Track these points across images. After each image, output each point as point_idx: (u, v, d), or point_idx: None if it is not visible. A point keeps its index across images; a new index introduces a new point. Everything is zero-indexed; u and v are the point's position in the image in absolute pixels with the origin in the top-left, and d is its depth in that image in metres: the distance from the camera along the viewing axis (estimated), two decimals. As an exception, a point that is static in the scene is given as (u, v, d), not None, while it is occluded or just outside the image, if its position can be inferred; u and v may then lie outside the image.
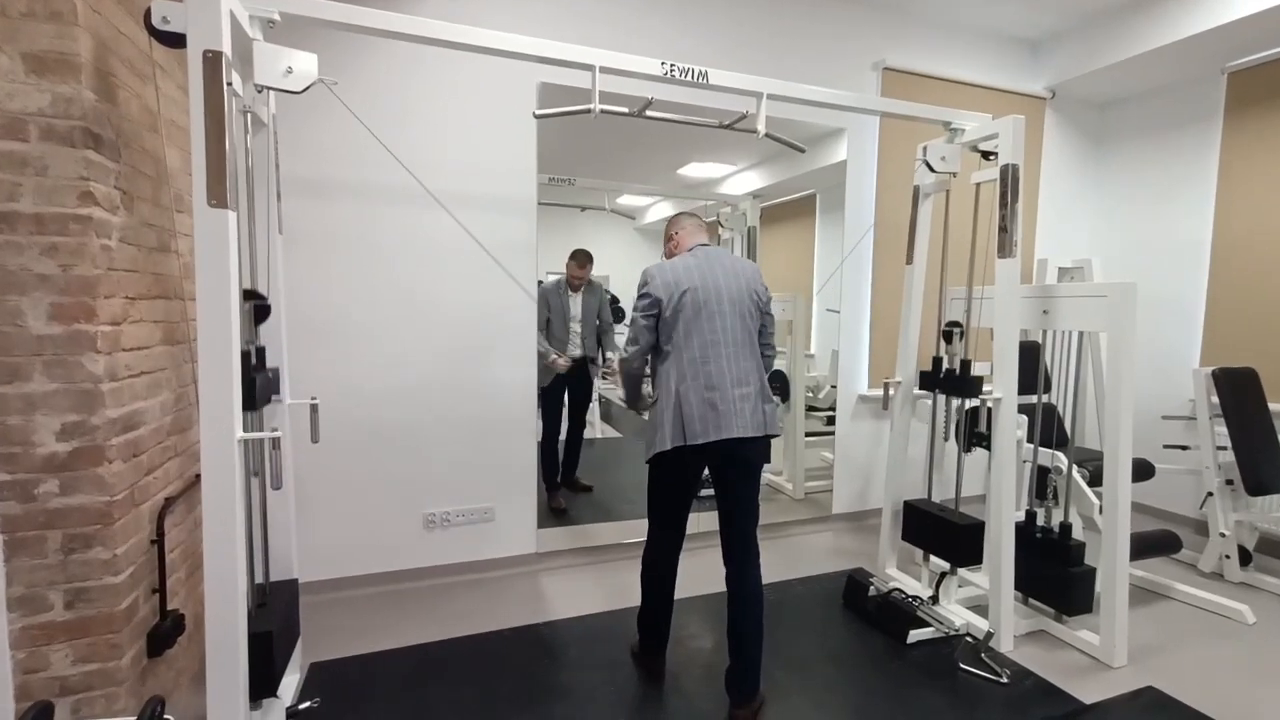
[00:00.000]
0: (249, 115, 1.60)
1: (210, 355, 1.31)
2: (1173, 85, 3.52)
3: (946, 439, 2.50)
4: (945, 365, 2.43)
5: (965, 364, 2.35)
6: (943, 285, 2.61)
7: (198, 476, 1.91)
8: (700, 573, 2.68)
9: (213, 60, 1.29)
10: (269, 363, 1.73)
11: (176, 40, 1.36)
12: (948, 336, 2.43)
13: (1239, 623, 2.43)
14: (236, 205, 1.36)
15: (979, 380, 2.30)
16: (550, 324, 3.15)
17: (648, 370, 1.92)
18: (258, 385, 1.53)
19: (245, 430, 1.40)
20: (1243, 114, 3.24)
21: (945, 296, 2.62)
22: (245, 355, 1.47)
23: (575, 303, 3.26)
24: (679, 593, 2.05)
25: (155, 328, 1.69)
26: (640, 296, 1.85)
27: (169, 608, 1.67)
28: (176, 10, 1.36)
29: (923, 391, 2.64)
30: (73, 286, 1.40)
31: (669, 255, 2.01)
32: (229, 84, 1.33)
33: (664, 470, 1.91)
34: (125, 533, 1.50)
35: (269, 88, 1.53)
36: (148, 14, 1.37)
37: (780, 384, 3.64)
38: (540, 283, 2.93)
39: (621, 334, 3.19)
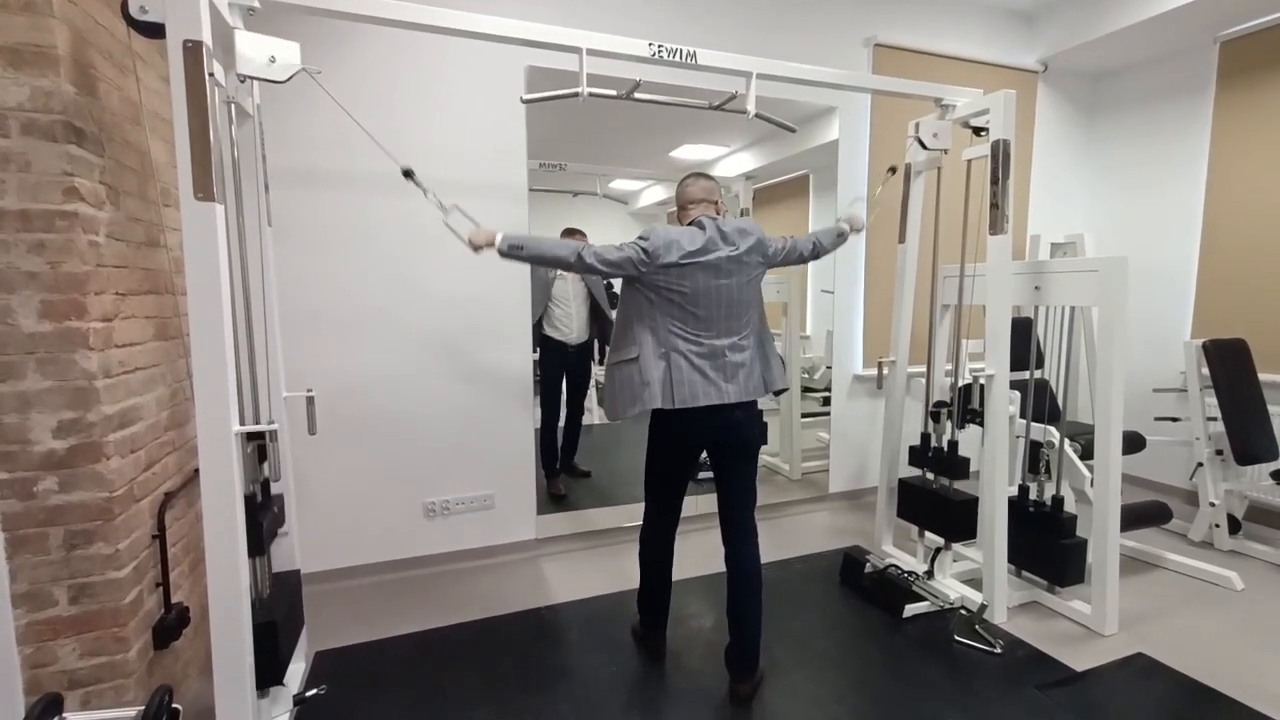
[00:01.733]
0: (233, 106, 1.58)
1: (204, 349, 1.31)
2: (1165, 55, 3.50)
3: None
4: (933, 443, 2.47)
5: (953, 444, 2.39)
6: (935, 263, 2.61)
7: (197, 470, 1.92)
8: (700, 553, 2.71)
9: (193, 50, 1.27)
10: (262, 365, 1.72)
11: (155, 30, 1.34)
12: (935, 416, 2.46)
13: (1228, 590, 2.47)
14: (223, 198, 1.35)
15: (965, 461, 2.35)
16: (547, 309, 3.12)
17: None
18: (264, 526, 1.49)
19: (242, 423, 1.41)
20: (1235, 83, 3.22)
21: (938, 274, 2.62)
22: (250, 498, 1.44)
23: (565, 282, 3.22)
24: (679, 573, 2.09)
25: (147, 323, 1.69)
26: (640, 238, 1.78)
27: (173, 600, 1.69)
28: (154, -1, 1.33)
29: (917, 367, 2.67)
30: (62, 283, 1.39)
31: (680, 219, 1.94)
32: (211, 74, 1.31)
33: (660, 445, 1.91)
34: (126, 528, 1.51)
35: (252, 78, 1.52)
36: (125, 4, 1.34)
37: (775, 366, 3.65)
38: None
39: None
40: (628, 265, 1.76)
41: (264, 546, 1.53)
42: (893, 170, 2.50)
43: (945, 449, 2.42)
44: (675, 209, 1.96)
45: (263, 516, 1.51)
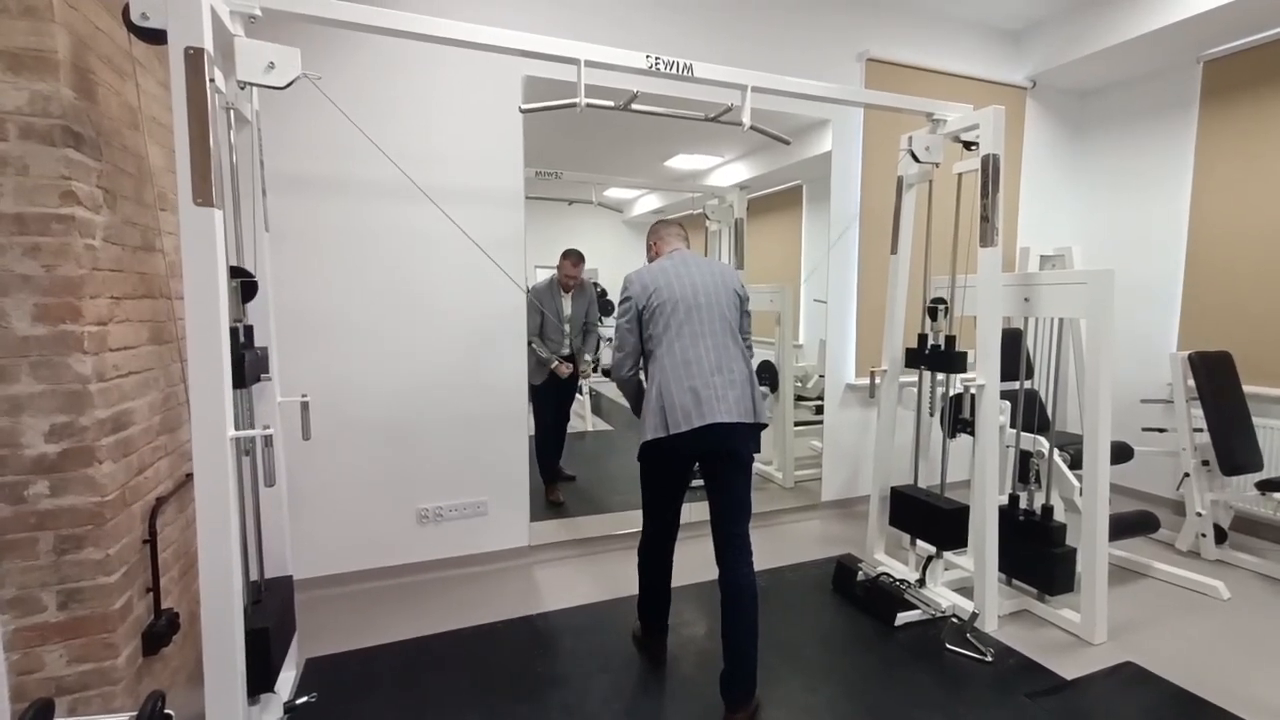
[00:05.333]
0: (232, 112, 1.59)
1: (200, 354, 1.31)
2: (1150, 74, 3.57)
3: (933, 415, 2.54)
4: (930, 341, 2.47)
5: (950, 339, 2.38)
6: (927, 274, 2.65)
7: (189, 476, 1.91)
8: (695, 560, 2.71)
9: (195, 57, 1.28)
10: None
11: (157, 36, 1.35)
12: (932, 313, 2.46)
13: (1214, 599, 2.50)
14: (222, 203, 1.36)
15: (963, 355, 2.34)
16: (543, 325, 3.16)
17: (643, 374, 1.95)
18: (246, 363, 1.53)
19: (237, 427, 1.40)
20: (1217, 102, 3.29)
21: (929, 286, 2.65)
22: (233, 332, 1.47)
23: (567, 303, 3.27)
24: (675, 580, 2.09)
25: (142, 327, 1.68)
26: (621, 302, 1.89)
27: (163, 606, 1.67)
28: (156, 6, 1.34)
29: (909, 376, 2.69)
30: (57, 287, 1.38)
31: (650, 262, 2.05)
32: (211, 80, 1.32)
33: (651, 463, 1.93)
34: (117, 533, 1.50)
35: (252, 84, 1.52)
36: (126, 10, 1.35)
37: (769, 374, 3.68)
38: (531, 287, 2.94)
39: (608, 329, 3.22)
40: (633, 328, 1.87)
41: (245, 381, 1.55)
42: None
43: (943, 346, 2.41)
44: (648, 248, 2.08)
45: (245, 352, 1.55)
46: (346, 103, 2.38)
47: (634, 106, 2.09)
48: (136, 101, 1.72)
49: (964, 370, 2.35)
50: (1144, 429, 3.22)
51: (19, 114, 1.34)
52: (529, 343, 2.87)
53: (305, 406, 1.81)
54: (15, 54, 1.33)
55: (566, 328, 3.25)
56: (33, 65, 1.34)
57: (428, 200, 2.52)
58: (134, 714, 0.91)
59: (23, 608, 1.40)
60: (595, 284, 3.41)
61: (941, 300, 2.45)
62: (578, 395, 3.62)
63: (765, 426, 1.88)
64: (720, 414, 1.75)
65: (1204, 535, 2.84)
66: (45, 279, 1.38)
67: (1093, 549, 2.17)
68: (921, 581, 2.47)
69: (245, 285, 1.64)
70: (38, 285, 1.37)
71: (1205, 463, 2.84)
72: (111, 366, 1.51)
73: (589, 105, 1.94)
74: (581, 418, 3.88)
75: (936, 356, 2.44)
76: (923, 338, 2.51)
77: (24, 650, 1.40)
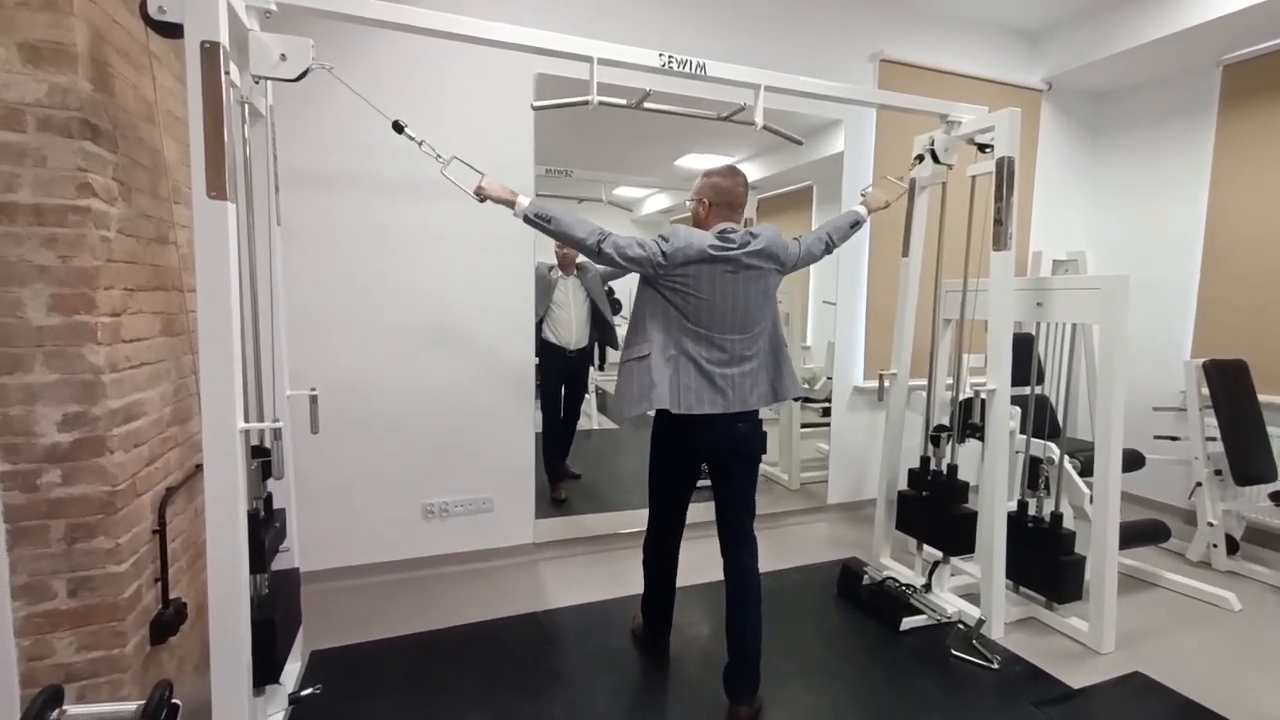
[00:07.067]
0: (246, 106, 1.60)
1: (211, 347, 1.32)
2: (1168, 77, 3.53)
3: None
4: (933, 466, 2.48)
5: (953, 468, 2.40)
6: (938, 278, 2.63)
7: (198, 467, 1.93)
8: (702, 560, 2.70)
9: (210, 51, 1.29)
10: (267, 363, 1.73)
11: (173, 30, 1.36)
12: (935, 440, 2.47)
13: (1225, 610, 2.47)
14: (236, 197, 1.36)
15: (965, 486, 2.36)
16: (549, 312, 3.15)
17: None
18: (266, 543, 1.49)
19: (246, 421, 1.41)
20: (1237, 107, 3.25)
21: (940, 289, 2.63)
22: (252, 514, 1.44)
23: (565, 286, 3.25)
24: (681, 580, 2.08)
25: (154, 319, 1.70)
26: (660, 238, 1.73)
27: (171, 596, 1.68)
28: (173, 0, 1.35)
29: (918, 380, 2.68)
30: (72, 278, 1.40)
31: (695, 219, 1.88)
32: (226, 74, 1.32)
33: (662, 457, 1.91)
34: (127, 522, 1.51)
35: (265, 78, 1.53)
36: (143, 4, 1.36)
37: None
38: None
39: (621, 326, 3.22)
40: (645, 264, 1.72)
41: (266, 564, 1.53)
42: (919, 158, 2.48)
43: (945, 472, 2.42)
44: (699, 200, 1.85)
45: (265, 533, 1.51)
46: (356, 100, 2.39)
47: (646, 105, 2.08)
48: (153, 95, 1.73)
49: (964, 501, 2.37)
50: (1156, 437, 3.18)
51: (38, 106, 1.35)
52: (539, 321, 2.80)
53: (314, 400, 1.82)
54: (35, 46, 1.34)
55: (565, 313, 3.22)
56: (51, 58, 1.35)
57: (435, 195, 2.53)
58: (142, 702, 0.91)
59: (34, 594, 1.41)
60: (605, 282, 3.39)
61: (945, 428, 2.44)
62: (585, 394, 3.62)
63: (799, 399, 1.86)
64: (735, 404, 1.75)
65: (1215, 546, 2.81)
66: (61, 270, 1.39)
67: (1102, 557, 2.15)
68: (928, 587, 2.45)
69: (265, 465, 1.55)
70: (53, 276, 1.38)
71: (1218, 472, 2.80)
72: (124, 357, 1.52)
73: (601, 103, 1.94)
74: (588, 416, 3.88)
75: (939, 484, 2.43)
76: (925, 460, 2.51)
77: (34, 636, 1.41)
